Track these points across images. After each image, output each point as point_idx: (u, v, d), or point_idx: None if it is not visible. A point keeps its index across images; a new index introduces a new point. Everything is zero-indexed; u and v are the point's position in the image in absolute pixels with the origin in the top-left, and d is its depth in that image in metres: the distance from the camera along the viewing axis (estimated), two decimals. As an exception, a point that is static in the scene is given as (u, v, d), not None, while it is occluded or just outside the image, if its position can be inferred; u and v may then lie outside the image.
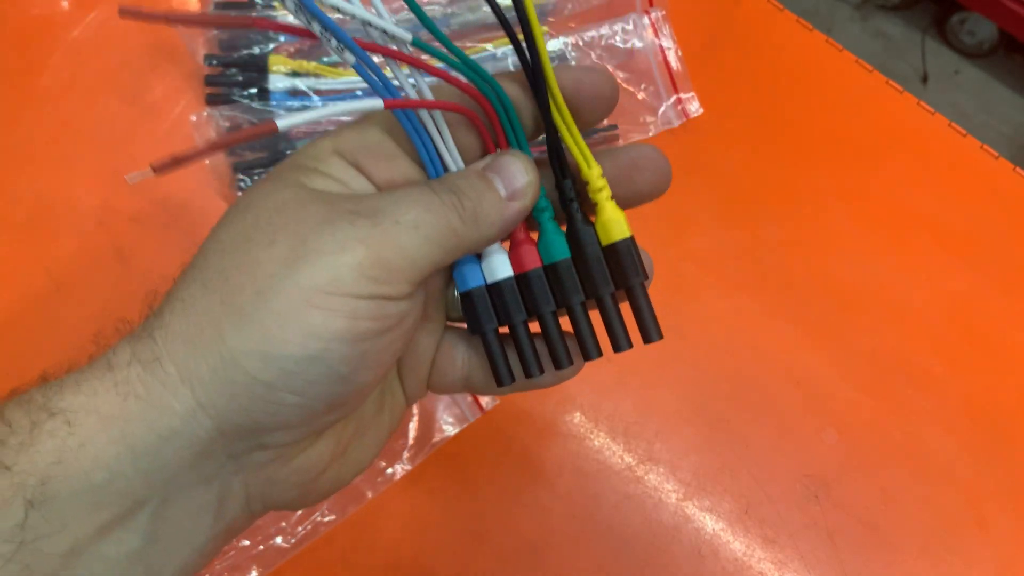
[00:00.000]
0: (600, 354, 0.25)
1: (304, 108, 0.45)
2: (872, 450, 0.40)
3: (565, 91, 0.24)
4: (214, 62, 0.46)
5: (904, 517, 0.39)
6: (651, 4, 0.49)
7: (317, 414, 0.22)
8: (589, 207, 0.25)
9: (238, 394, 0.20)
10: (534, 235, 0.25)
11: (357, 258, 0.21)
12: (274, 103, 0.44)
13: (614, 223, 0.24)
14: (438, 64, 0.24)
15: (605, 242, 0.24)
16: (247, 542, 0.35)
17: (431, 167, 0.24)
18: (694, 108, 0.49)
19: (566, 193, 0.25)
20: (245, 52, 0.46)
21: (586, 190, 0.25)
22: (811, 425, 0.41)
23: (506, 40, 0.49)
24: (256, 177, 0.43)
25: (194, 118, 0.44)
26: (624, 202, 0.25)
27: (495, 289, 0.24)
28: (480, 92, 0.24)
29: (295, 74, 0.45)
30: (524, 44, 0.25)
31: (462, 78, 0.24)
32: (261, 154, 0.44)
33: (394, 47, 0.24)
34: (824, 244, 0.46)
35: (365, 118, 0.25)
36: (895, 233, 0.47)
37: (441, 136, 0.24)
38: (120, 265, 0.42)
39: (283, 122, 0.21)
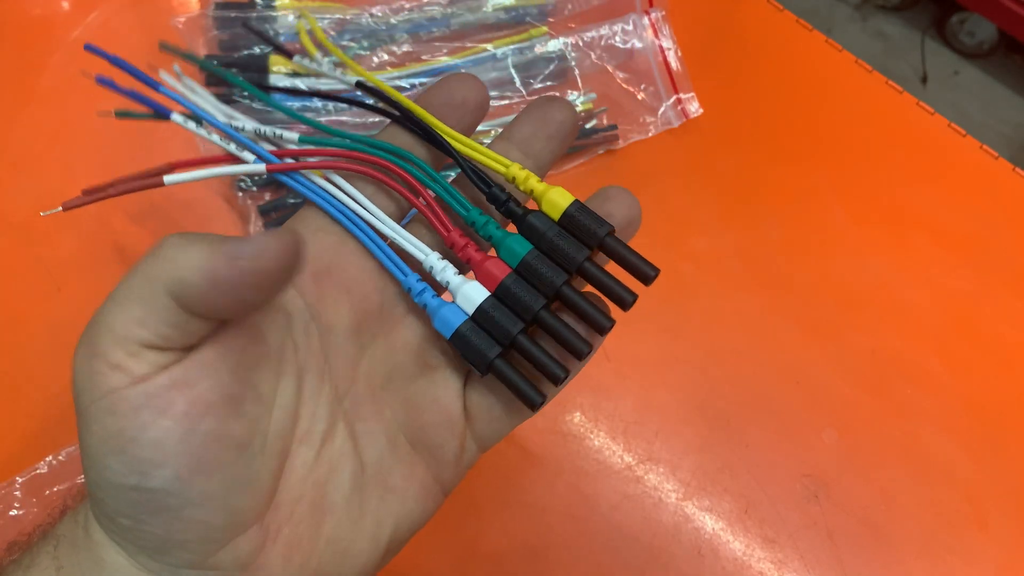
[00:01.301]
0: (612, 321, 0.24)
1: (305, 108, 0.45)
2: (872, 450, 0.40)
3: (441, 107, 0.25)
4: (214, 62, 0.46)
5: (904, 517, 0.39)
6: (651, 4, 0.50)
7: (168, 532, 0.20)
8: (524, 200, 0.25)
9: (107, 526, 0.21)
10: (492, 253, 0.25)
11: (79, 357, 0.20)
12: (274, 103, 0.44)
13: (555, 196, 0.24)
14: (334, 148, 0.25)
15: (556, 216, 0.24)
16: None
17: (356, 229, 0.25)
18: (694, 108, 0.49)
19: (498, 197, 0.25)
20: (245, 52, 0.46)
21: (514, 188, 0.25)
22: (811, 425, 0.41)
23: (507, 40, 0.49)
24: (256, 176, 0.43)
25: (194, 118, 0.44)
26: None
27: (481, 315, 0.23)
28: (389, 162, 0.25)
29: (295, 74, 0.45)
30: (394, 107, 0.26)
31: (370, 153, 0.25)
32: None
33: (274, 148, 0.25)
34: (824, 244, 0.46)
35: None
36: (895, 233, 0.47)
37: (356, 200, 0.25)
38: (120, 265, 0.42)
39: (170, 178, 0.22)
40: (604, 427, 0.40)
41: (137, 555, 0.21)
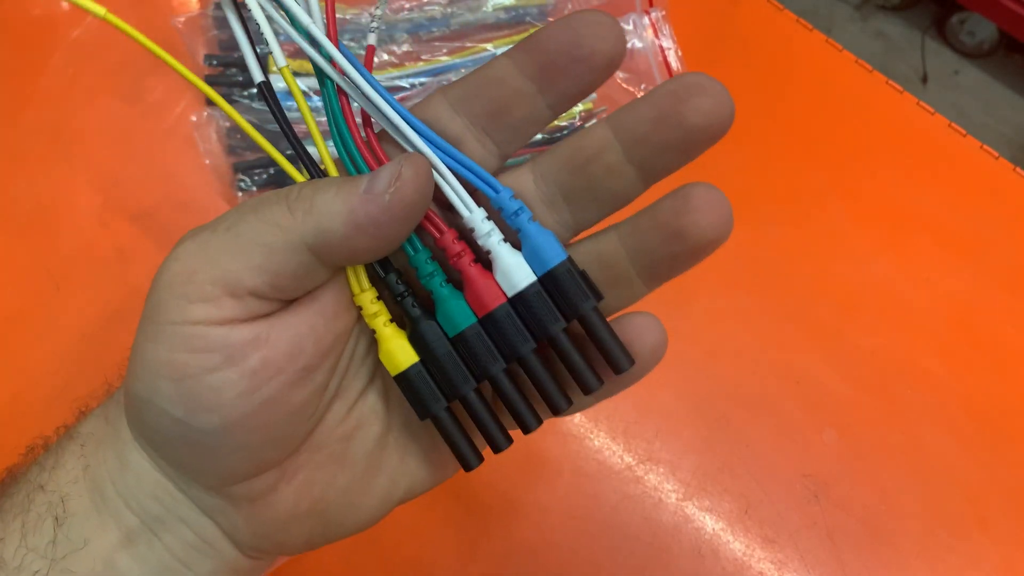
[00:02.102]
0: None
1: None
2: (872, 450, 0.40)
3: (557, 55, 0.20)
4: (214, 62, 0.46)
5: (904, 517, 0.39)
6: (651, 4, 0.49)
7: (193, 459, 0.20)
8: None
9: (135, 429, 0.21)
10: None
11: (170, 274, 0.19)
12: (274, 103, 0.44)
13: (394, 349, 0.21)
14: None
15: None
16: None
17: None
18: (694, 108, 0.49)
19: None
20: (245, 52, 0.46)
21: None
22: (811, 425, 0.41)
23: (507, 40, 0.49)
24: (257, 177, 0.43)
25: (194, 118, 0.44)
26: (674, 146, 0.21)
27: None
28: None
29: (296, 74, 0.45)
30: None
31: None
32: (262, 154, 0.44)
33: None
34: (824, 244, 0.46)
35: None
36: (895, 233, 0.47)
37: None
38: (120, 265, 0.42)
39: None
40: (604, 427, 0.40)
41: (158, 460, 0.21)
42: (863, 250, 0.46)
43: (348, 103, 0.22)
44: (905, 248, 0.47)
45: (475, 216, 0.21)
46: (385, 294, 0.22)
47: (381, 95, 0.22)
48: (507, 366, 0.21)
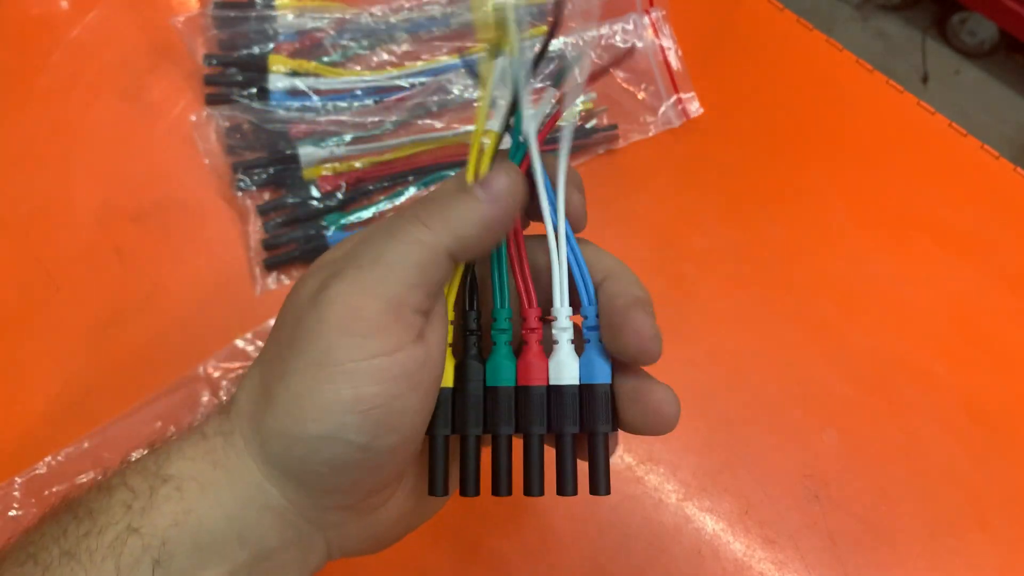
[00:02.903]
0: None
1: (304, 107, 0.45)
2: (872, 450, 0.40)
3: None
4: (214, 62, 0.46)
5: (904, 517, 0.39)
6: (651, 4, 0.49)
7: (357, 481, 0.22)
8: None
9: (284, 467, 0.22)
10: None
11: (336, 316, 0.21)
12: (274, 103, 0.44)
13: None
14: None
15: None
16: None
17: None
18: (694, 108, 0.49)
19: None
20: (245, 52, 0.46)
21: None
22: (811, 425, 0.41)
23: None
24: (256, 177, 0.43)
25: (194, 118, 0.44)
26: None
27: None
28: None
29: (295, 74, 0.45)
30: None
31: None
32: (261, 154, 0.44)
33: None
34: (824, 244, 0.46)
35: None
36: (895, 233, 0.47)
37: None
38: (120, 265, 0.42)
39: None
40: (604, 427, 0.40)
41: (294, 494, 0.22)
42: (863, 250, 0.46)
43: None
44: (905, 248, 0.46)
45: (563, 311, 0.24)
46: (457, 323, 0.24)
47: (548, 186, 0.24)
48: (513, 433, 0.24)
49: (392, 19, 0.48)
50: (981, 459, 0.41)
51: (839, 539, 0.38)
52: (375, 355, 0.21)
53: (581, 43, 0.48)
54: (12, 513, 0.35)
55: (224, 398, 0.25)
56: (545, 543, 0.37)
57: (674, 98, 0.49)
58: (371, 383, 0.21)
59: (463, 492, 0.24)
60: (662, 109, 0.48)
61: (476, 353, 0.24)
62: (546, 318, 0.25)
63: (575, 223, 0.25)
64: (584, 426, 0.23)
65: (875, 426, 0.41)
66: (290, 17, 0.47)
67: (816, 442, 0.40)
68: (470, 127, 0.45)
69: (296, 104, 0.45)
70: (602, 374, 0.24)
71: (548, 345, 0.24)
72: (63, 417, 0.38)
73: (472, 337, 0.24)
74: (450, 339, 0.24)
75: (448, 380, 0.24)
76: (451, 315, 0.24)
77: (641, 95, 0.49)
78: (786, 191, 0.48)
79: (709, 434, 0.40)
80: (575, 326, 0.24)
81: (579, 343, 0.24)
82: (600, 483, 0.24)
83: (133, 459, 0.23)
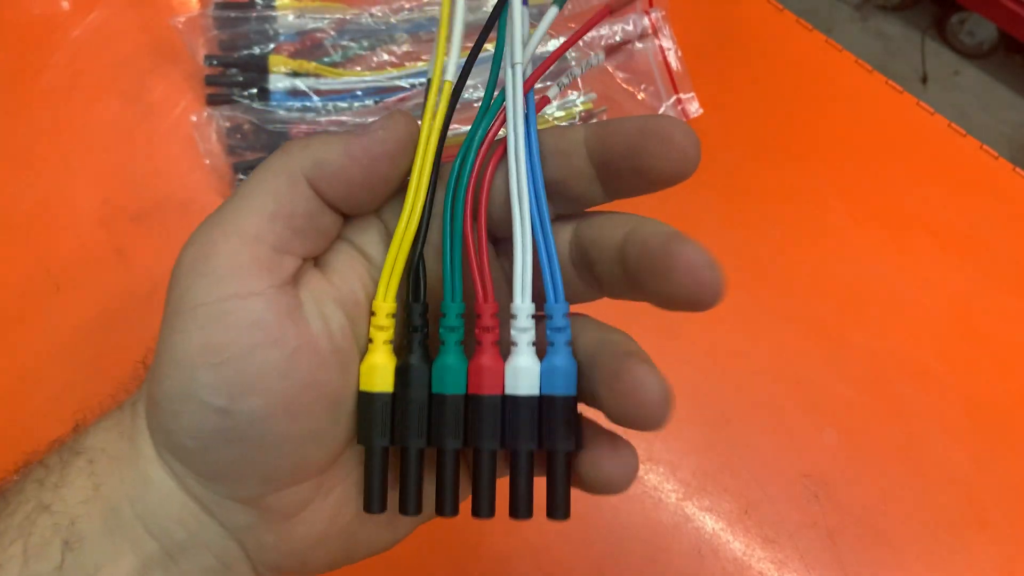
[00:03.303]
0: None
1: (305, 107, 0.45)
2: (872, 450, 0.40)
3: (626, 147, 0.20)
4: (214, 62, 0.46)
5: (904, 517, 0.39)
6: (651, 4, 0.50)
7: (237, 461, 0.19)
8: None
9: (162, 440, 0.20)
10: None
11: (190, 258, 0.19)
12: (274, 103, 0.44)
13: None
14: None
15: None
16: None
17: None
18: (694, 108, 0.49)
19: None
20: (245, 52, 0.46)
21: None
22: (811, 425, 0.41)
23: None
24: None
25: (194, 118, 0.44)
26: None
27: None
28: None
29: (295, 74, 0.45)
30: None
31: None
32: (262, 154, 0.44)
33: None
34: (824, 244, 0.46)
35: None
36: (895, 233, 0.47)
37: None
38: (120, 265, 0.42)
39: None
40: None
41: (187, 478, 0.20)
42: (863, 250, 0.46)
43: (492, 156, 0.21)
44: (905, 248, 0.47)
45: (522, 308, 0.21)
46: (400, 318, 0.21)
47: (529, 144, 0.21)
48: (460, 448, 0.21)
49: (392, 20, 0.48)
50: (980, 458, 0.41)
51: (839, 538, 0.38)
52: (226, 297, 0.18)
53: (581, 43, 0.48)
54: (13, 513, 0.35)
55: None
56: (545, 543, 0.37)
57: (674, 98, 0.49)
58: (221, 329, 0.18)
59: (402, 509, 0.21)
60: (662, 109, 0.49)
61: (421, 354, 0.21)
62: (538, 314, 0.21)
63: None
64: (543, 443, 0.20)
65: (875, 426, 0.41)
66: (290, 18, 0.47)
67: (816, 442, 0.40)
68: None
69: (297, 104, 0.45)
70: (566, 384, 0.20)
71: (507, 348, 0.21)
72: (63, 417, 0.38)
73: (416, 335, 0.21)
74: (390, 336, 0.21)
75: (387, 384, 0.21)
76: (393, 308, 0.21)
77: (641, 95, 0.49)
78: (786, 191, 0.48)
79: (709, 433, 0.40)
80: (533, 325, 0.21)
81: (542, 345, 0.21)
82: (558, 507, 0.21)
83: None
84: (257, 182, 0.20)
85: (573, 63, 0.48)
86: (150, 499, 0.20)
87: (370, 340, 0.21)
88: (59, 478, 0.20)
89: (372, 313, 0.21)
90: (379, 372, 0.21)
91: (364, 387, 0.21)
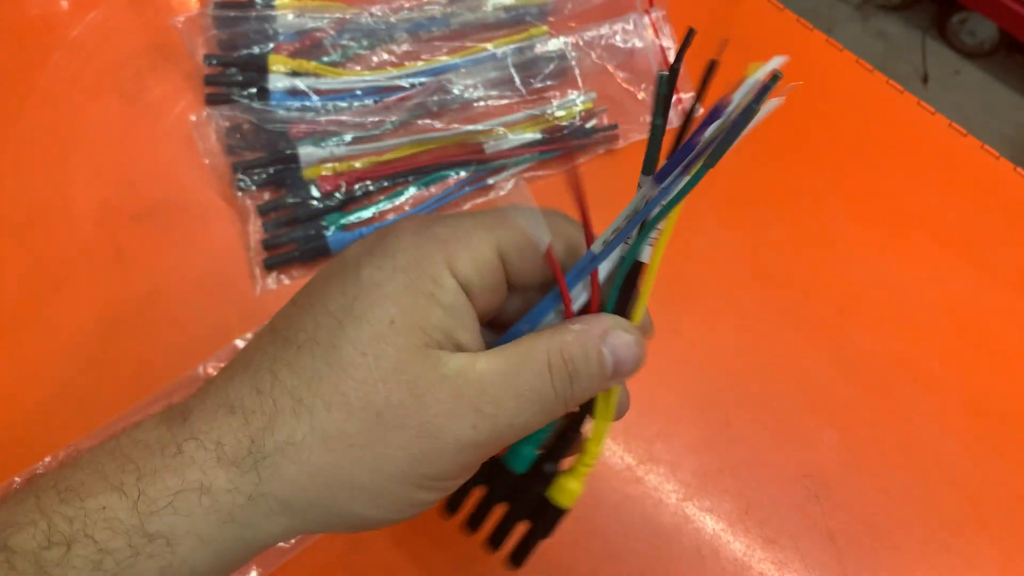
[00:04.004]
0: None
1: (304, 107, 0.45)
2: (873, 450, 0.40)
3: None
4: (213, 62, 0.46)
5: (905, 517, 0.39)
6: (651, 4, 0.49)
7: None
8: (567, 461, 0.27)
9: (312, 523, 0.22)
10: None
11: (460, 465, 0.22)
12: (274, 103, 0.44)
13: (573, 492, 0.26)
14: None
15: (556, 496, 0.26)
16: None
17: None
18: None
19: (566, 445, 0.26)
20: (245, 52, 0.46)
21: (580, 454, 0.26)
22: (811, 425, 0.41)
23: (507, 39, 0.49)
24: (256, 177, 0.43)
25: (194, 118, 0.44)
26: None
27: None
28: None
29: (295, 74, 0.45)
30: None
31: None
32: (261, 154, 0.44)
33: None
34: (824, 244, 0.46)
35: (479, 222, 0.23)
36: (895, 233, 0.47)
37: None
38: (120, 265, 0.42)
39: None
40: (604, 427, 0.40)
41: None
42: (863, 250, 0.46)
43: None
44: (905, 248, 0.46)
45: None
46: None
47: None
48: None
49: (392, 19, 0.48)
50: (981, 458, 0.41)
51: (839, 539, 0.38)
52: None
53: (581, 43, 0.48)
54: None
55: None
56: (545, 543, 0.37)
57: (674, 98, 0.49)
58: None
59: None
60: (662, 109, 0.48)
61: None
62: None
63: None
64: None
65: (875, 426, 0.41)
66: (290, 17, 0.47)
67: (816, 442, 0.40)
68: (470, 127, 0.45)
69: (296, 104, 0.45)
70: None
71: None
72: (63, 417, 0.38)
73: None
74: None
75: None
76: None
77: (641, 95, 0.49)
78: (786, 191, 0.48)
79: (709, 434, 0.40)
80: None
81: None
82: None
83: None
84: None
85: (573, 63, 0.48)
86: (240, 551, 0.21)
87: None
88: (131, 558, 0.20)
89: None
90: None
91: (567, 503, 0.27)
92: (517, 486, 0.26)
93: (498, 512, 0.27)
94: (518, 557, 0.27)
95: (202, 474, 0.20)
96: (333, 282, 0.22)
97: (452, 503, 0.28)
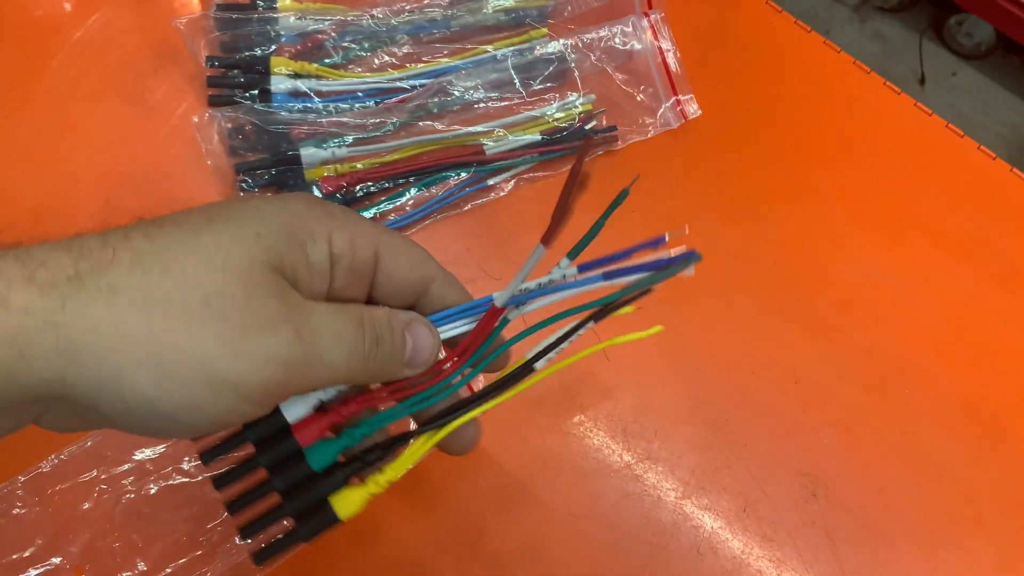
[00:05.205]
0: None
1: (306, 108, 0.45)
2: (870, 448, 0.41)
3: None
4: (216, 63, 0.46)
5: (902, 515, 0.39)
6: (650, 6, 0.50)
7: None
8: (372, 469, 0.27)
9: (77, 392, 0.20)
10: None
11: (263, 380, 0.21)
12: (276, 104, 0.45)
13: (354, 504, 0.26)
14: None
15: (335, 503, 0.26)
16: (248, 540, 0.36)
17: None
18: (692, 110, 0.49)
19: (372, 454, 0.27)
20: (247, 54, 0.46)
21: (377, 473, 0.27)
22: (809, 424, 0.41)
23: (507, 41, 0.49)
24: (258, 178, 0.44)
25: (196, 119, 0.44)
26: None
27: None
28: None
29: (297, 75, 0.46)
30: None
31: None
32: (263, 155, 0.44)
33: None
34: (822, 244, 0.47)
35: (371, 223, 0.26)
36: (893, 233, 0.47)
37: None
38: (122, 265, 0.42)
39: None
40: (603, 426, 0.40)
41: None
42: (861, 250, 0.46)
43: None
44: (903, 248, 0.47)
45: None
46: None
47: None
48: None
49: (393, 21, 0.48)
50: (978, 457, 0.41)
51: (837, 537, 0.38)
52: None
53: (580, 45, 0.49)
54: (16, 512, 0.35)
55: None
56: (544, 542, 0.37)
57: (672, 100, 0.49)
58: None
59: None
60: (660, 111, 0.49)
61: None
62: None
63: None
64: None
65: (873, 425, 0.41)
66: (292, 19, 0.47)
67: (814, 441, 0.41)
68: (470, 128, 0.45)
69: (298, 105, 0.45)
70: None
71: None
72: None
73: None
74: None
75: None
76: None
77: (640, 97, 0.49)
78: (784, 192, 0.48)
79: (708, 433, 0.40)
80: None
81: None
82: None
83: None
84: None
85: (573, 65, 0.48)
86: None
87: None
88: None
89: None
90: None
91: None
92: (302, 482, 0.26)
93: (267, 503, 0.27)
94: (266, 554, 0.27)
95: (6, 288, 0.19)
96: (221, 202, 0.24)
97: (219, 480, 0.27)
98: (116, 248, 0.21)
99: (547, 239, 0.22)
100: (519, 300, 0.26)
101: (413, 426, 0.27)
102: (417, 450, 0.27)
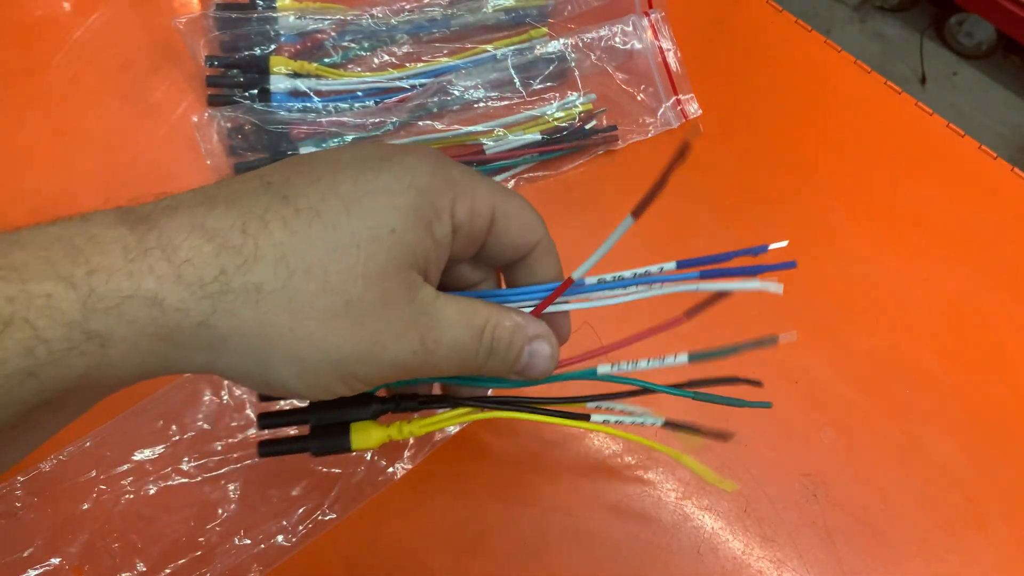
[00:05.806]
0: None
1: (306, 108, 0.45)
2: (870, 449, 0.41)
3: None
4: (215, 63, 0.46)
5: (902, 516, 0.39)
6: (651, 5, 0.50)
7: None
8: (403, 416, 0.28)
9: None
10: None
11: (385, 378, 0.23)
12: (275, 104, 0.45)
13: (370, 440, 0.27)
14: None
15: (353, 432, 0.27)
16: (248, 540, 0.36)
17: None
18: (693, 109, 0.49)
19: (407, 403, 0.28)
20: (247, 53, 0.46)
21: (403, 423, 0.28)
22: (810, 424, 0.41)
23: (507, 41, 0.49)
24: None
25: (195, 119, 0.44)
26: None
27: None
28: None
29: (296, 75, 0.46)
30: None
31: None
32: (263, 155, 0.44)
33: None
34: (823, 243, 0.46)
35: (487, 181, 0.26)
36: (893, 233, 0.47)
37: None
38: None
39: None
40: (604, 426, 0.40)
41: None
42: (861, 250, 0.46)
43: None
44: (903, 248, 0.47)
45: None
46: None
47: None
48: None
49: (393, 21, 0.48)
50: (979, 458, 0.41)
51: (837, 537, 0.38)
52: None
53: (580, 44, 0.49)
54: (15, 512, 0.35)
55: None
56: (544, 541, 0.37)
57: (673, 99, 0.49)
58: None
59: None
60: (661, 110, 0.49)
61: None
62: None
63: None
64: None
65: (874, 425, 0.41)
66: (291, 19, 0.47)
67: (814, 441, 0.41)
68: (470, 128, 0.45)
69: (298, 105, 0.45)
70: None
71: None
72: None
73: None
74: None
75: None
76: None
77: (640, 96, 0.49)
78: (784, 191, 0.48)
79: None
80: None
81: None
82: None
83: None
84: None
85: (573, 64, 0.48)
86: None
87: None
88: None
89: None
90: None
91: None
92: (333, 404, 0.27)
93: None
94: (271, 449, 0.27)
95: (158, 286, 0.20)
96: (345, 169, 0.23)
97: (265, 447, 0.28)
98: (258, 243, 0.21)
99: (638, 211, 0.22)
100: (604, 287, 0.26)
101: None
102: (451, 418, 0.27)
